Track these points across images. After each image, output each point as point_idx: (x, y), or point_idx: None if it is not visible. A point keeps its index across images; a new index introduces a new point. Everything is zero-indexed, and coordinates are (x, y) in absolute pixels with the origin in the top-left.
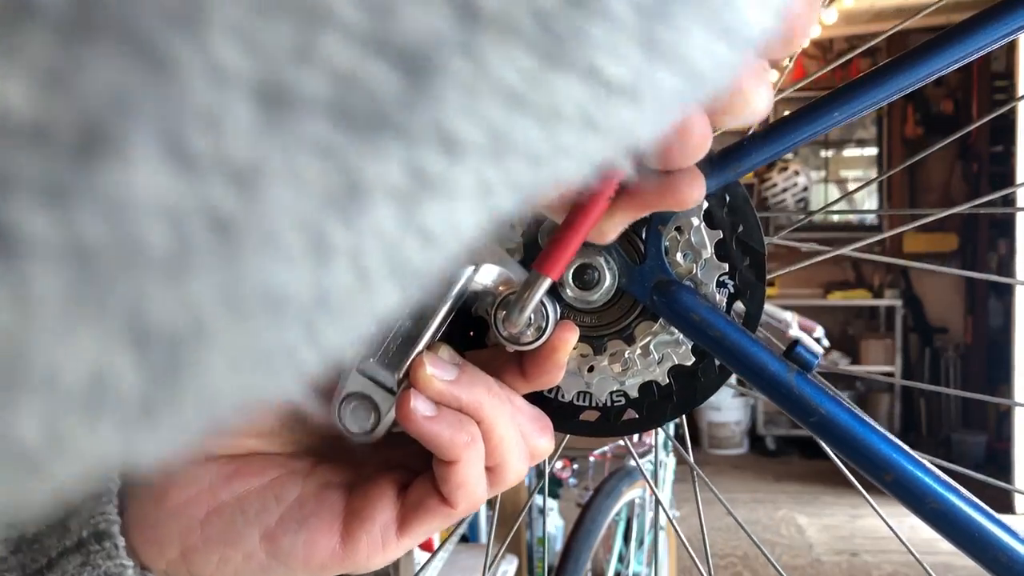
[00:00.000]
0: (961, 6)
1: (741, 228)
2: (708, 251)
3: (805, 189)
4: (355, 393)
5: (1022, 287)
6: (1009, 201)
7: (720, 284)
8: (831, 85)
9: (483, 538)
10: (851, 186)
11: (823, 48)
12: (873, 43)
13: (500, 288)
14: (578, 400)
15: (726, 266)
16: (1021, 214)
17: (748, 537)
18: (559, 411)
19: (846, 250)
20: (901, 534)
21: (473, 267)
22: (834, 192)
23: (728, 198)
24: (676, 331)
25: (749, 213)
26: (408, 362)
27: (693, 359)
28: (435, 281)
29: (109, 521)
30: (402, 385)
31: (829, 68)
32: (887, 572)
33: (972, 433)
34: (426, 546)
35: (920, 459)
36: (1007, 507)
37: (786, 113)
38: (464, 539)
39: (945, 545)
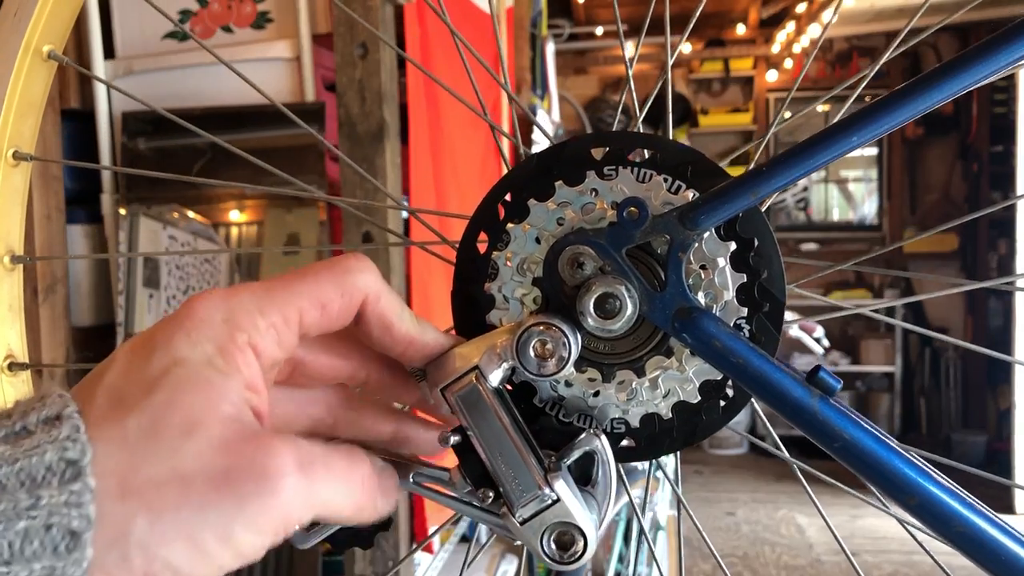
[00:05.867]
0: (960, 7)
1: (765, 274)
2: (730, 294)
3: (805, 189)
4: (541, 530)
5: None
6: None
7: (736, 327)
8: (830, 85)
9: (484, 538)
10: (851, 186)
11: (823, 48)
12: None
13: (508, 355)
14: (578, 422)
15: (745, 311)
16: (1021, 213)
17: (748, 537)
18: (565, 436)
19: (865, 309)
20: (901, 533)
21: (476, 375)
22: (834, 192)
23: (757, 243)
24: (686, 368)
25: (775, 261)
26: (537, 474)
27: (699, 398)
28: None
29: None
30: (554, 487)
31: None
32: (887, 572)
33: (972, 433)
34: (425, 546)
35: (946, 481)
36: (1007, 507)
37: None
38: (464, 539)
39: (945, 546)
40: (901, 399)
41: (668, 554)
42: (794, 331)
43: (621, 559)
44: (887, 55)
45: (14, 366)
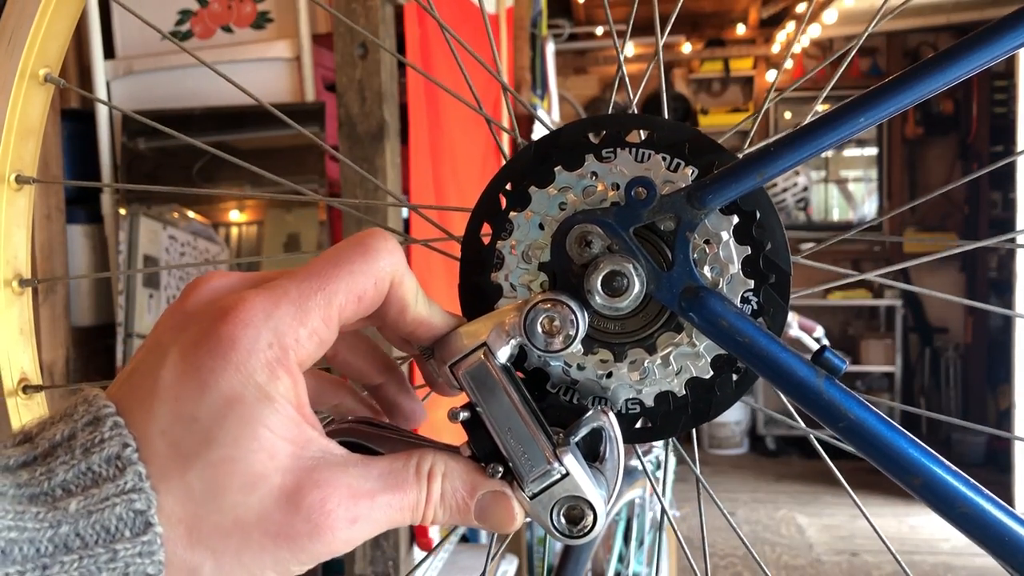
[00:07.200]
0: (960, 6)
1: (769, 246)
2: (735, 267)
3: (805, 189)
4: (551, 504)
5: (1022, 287)
6: (1010, 201)
7: (744, 300)
8: (828, 84)
9: (483, 538)
10: (851, 186)
11: (823, 48)
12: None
13: (516, 332)
14: (592, 404)
15: (752, 283)
16: (1021, 213)
17: (748, 537)
18: (572, 413)
19: (871, 275)
20: (901, 533)
21: (484, 351)
22: (834, 192)
23: (759, 215)
24: (697, 344)
25: (778, 231)
26: (546, 448)
27: (711, 373)
28: (489, 398)
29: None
30: (563, 461)
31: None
32: (887, 572)
33: (972, 433)
34: (426, 546)
35: (948, 463)
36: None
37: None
38: (464, 539)
39: (945, 545)
40: (901, 399)
41: (669, 554)
42: (794, 331)
43: (621, 559)
44: (858, 43)
45: (28, 388)
